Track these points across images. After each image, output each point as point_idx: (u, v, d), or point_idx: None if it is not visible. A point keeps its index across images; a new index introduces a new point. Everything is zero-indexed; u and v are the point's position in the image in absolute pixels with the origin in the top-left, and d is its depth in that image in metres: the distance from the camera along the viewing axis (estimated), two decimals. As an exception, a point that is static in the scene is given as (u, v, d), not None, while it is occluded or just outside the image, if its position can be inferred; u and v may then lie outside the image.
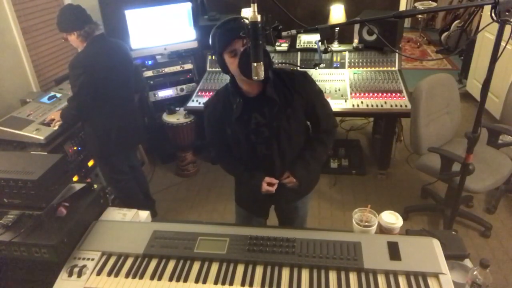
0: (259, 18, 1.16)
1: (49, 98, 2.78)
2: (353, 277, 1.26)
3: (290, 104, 1.57)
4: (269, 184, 1.66)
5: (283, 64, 3.37)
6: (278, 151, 1.65)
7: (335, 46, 3.57)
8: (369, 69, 3.39)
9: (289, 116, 1.58)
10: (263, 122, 1.58)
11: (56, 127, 2.51)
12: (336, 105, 3.00)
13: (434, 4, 6.48)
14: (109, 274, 1.33)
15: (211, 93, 3.29)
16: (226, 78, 1.63)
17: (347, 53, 3.49)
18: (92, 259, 1.37)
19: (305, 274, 1.29)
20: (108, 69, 2.38)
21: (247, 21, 1.16)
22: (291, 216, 1.97)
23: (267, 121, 1.58)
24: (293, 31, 1.33)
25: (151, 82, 3.48)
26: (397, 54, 3.36)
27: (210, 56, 3.61)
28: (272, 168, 1.68)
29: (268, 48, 2.45)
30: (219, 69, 1.58)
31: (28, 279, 1.44)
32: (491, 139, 2.80)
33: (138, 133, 2.77)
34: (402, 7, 3.95)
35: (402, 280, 1.25)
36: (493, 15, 1.30)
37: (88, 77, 2.27)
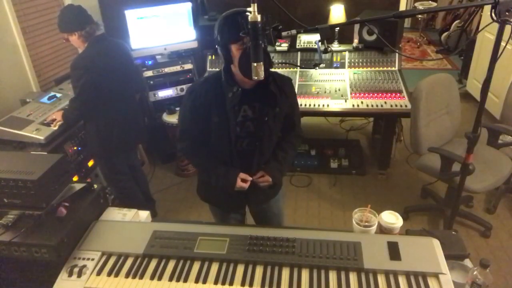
0: (259, 18, 1.16)
1: (49, 98, 2.78)
2: (353, 277, 1.26)
3: (279, 104, 1.60)
4: (243, 181, 1.65)
5: (283, 64, 3.37)
6: (259, 148, 1.65)
7: (335, 46, 3.57)
8: (369, 69, 3.39)
9: (275, 115, 1.61)
10: (251, 116, 1.59)
11: (56, 127, 2.51)
12: (336, 105, 3.00)
13: (434, 4, 6.48)
14: (109, 274, 1.32)
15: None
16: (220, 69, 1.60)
17: (347, 53, 3.49)
18: (92, 259, 1.37)
19: (305, 274, 1.29)
20: (109, 69, 2.38)
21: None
22: (266, 216, 1.96)
23: (255, 116, 1.59)
24: (293, 31, 1.33)
25: (151, 82, 3.48)
26: (397, 54, 3.36)
27: (210, 56, 3.61)
28: (249, 165, 1.68)
29: (268, 48, 2.45)
30: (219, 69, 1.58)
31: (28, 279, 1.44)
32: (491, 139, 2.80)
33: (139, 133, 2.78)
34: (402, 7, 3.94)
35: (402, 280, 1.25)
36: (493, 15, 1.30)
37: (89, 77, 2.27)
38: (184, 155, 1.77)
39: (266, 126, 1.61)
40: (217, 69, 3.55)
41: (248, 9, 1.15)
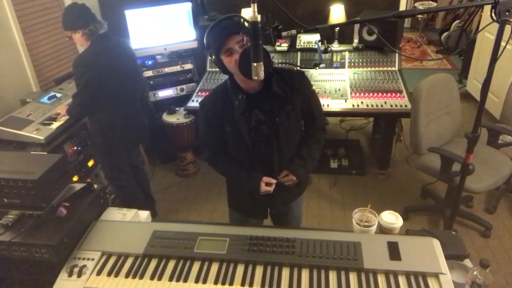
0: (259, 18, 1.16)
1: (49, 98, 2.78)
2: (353, 277, 1.26)
3: (290, 101, 1.59)
4: (267, 184, 1.65)
5: (283, 64, 3.37)
6: (277, 149, 1.65)
7: (335, 46, 3.57)
8: (369, 69, 3.39)
9: (288, 113, 1.60)
10: (263, 119, 1.59)
11: (62, 121, 2.54)
12: (336, 105, 3.00)
13: (434, 4, 6.48)
14: (109, 274, 1.33)
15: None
16: (226, 78, 1.63)
17: (347, 53, 3.49)
18: (92, 259, 1.37)
19: (305, 274, 1.29)
20: (111, 68, 2.39)
21: (240, 18, 1.16)
22: (286, 218, 1.96)
23: (267, 118, 1.59)
24: (293, 31, 1.33)
25: (151, 82, 3.48)
26: (397, 54, 3.37)
27: (210, 56, 3.59)
28: (270, 167, 1.68)
29: (268, 48, 2.45)
30: (225, 78, 1.59)
31: (28, 279, 1.44)
32: (491, 139, 2.80)
33: (141, 132, 2.78)
34: (402, 7, 3.94)
35: (402, 280, 1.25)
36: (493, 15, 1.30)
37: (92, 75, 2.28)
38: (209, 165, 1.79)
39: (279, 126, 1.60)
40: (217, 69, 3.59)
41: (242, 14, 1.16)
